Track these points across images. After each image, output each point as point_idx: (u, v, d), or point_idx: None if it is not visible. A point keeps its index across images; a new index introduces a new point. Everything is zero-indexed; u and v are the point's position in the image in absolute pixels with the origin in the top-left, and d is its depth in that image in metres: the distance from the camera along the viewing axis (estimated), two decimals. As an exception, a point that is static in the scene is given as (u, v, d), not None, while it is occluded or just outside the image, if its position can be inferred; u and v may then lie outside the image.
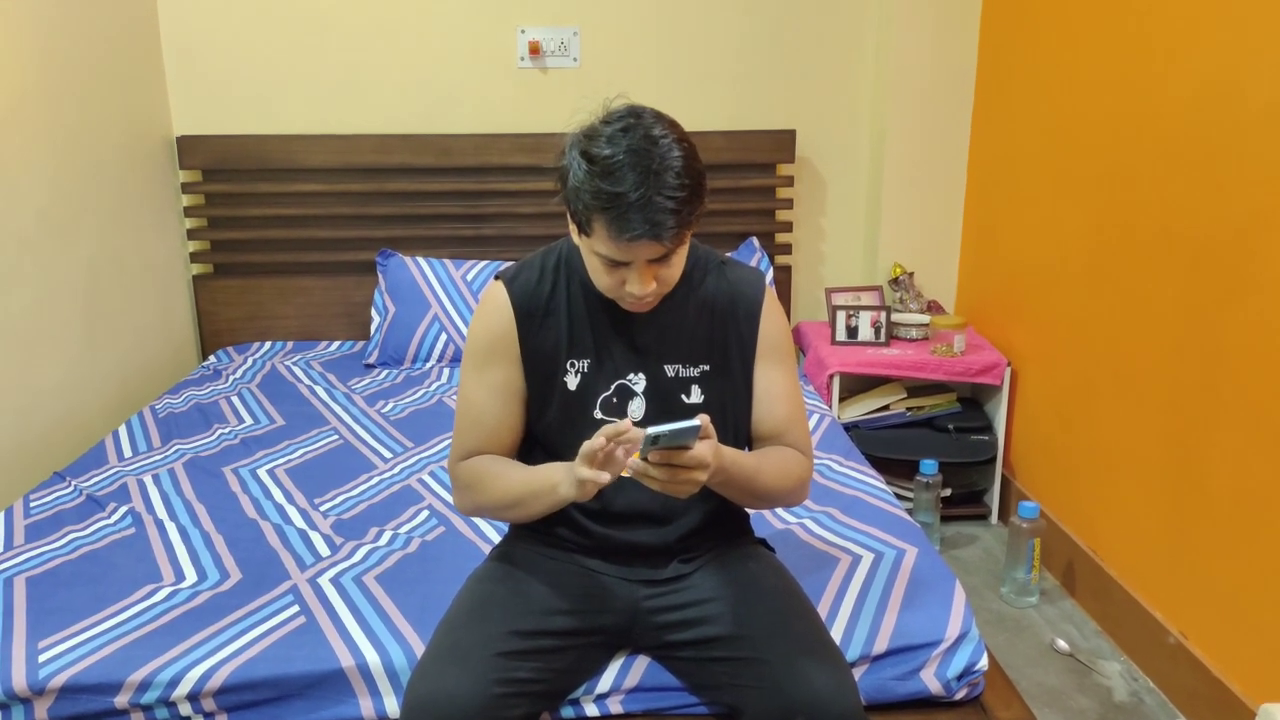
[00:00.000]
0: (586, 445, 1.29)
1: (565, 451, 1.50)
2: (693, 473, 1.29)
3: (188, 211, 3.26)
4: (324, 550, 1.89)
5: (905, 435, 3.03)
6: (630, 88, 3.30)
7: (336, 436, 2.49)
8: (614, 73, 3.25)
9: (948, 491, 2.93)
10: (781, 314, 1.58)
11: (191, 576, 1.79)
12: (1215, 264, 2.06)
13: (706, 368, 1.53)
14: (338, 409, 2.68)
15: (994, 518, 3.09)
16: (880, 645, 1.58)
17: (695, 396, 1.52)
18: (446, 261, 3.18)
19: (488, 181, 3.27)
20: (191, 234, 3.26)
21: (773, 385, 1.55)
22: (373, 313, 3.19)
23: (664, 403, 1.51)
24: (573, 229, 1.42)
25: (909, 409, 3.07)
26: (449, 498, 2.14)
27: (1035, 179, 2.86)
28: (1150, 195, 2.30)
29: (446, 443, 2.43)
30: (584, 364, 1.52)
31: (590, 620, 1.48)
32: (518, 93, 3.27)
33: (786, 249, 3.42)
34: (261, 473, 2.26)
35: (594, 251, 1.36)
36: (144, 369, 2.99)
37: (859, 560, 1.81)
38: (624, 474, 1.32)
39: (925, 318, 3.15)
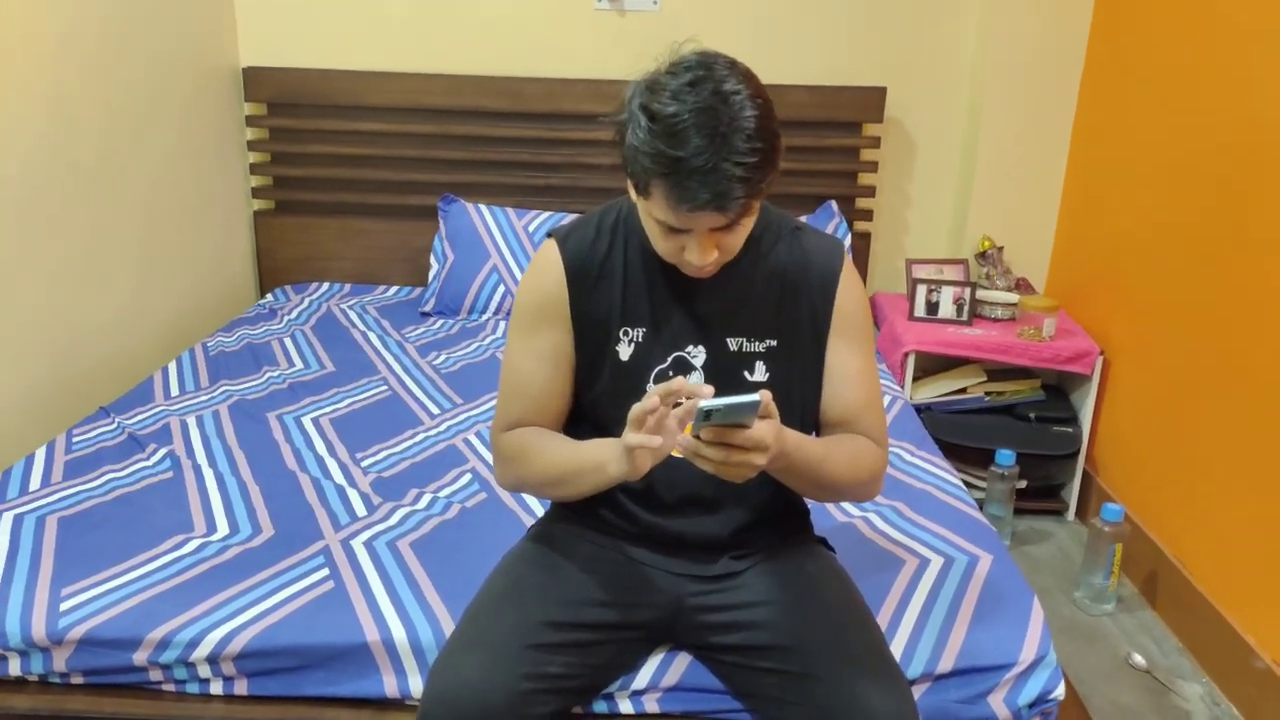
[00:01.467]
0: (637, 407, 1.16)
1: (614, 428, 1.37)
2: (750, 454, 1.17)
3: (251, 146, 3.19)
4: (360, 510, 1.81)
5: (982, 421, 2.85)
6: (712, 35, 3.11)
7: (385, 387, 2.41)
8: (696, 18, 3.07)
9: (1023, 483, 2.75)
10: (860, 287, 1.43)
11: (224, 528, 1.72)
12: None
13: (774, 343, 1.39)
14: (389, 358, 2.60)
15: (1071, 514, 2.90)
16: (946, 664, 1.44)
17: (759, 373, 1.39)
18: (509, 210, 3.06)
19: (558, 129, 3.13)
20: (254, 169, 3.19)
21: (846, 366, 1.40)
22: (432, 259, 3.10)
23: (725, 379, 1.38)
24: (630, 188, 1.29)
25: (988, 394, 2.88)
26: (490, 458, 2.04)
27: (1147, 158, 2.62)
28: (1273, 185, 2.07)
29: (494, 401, 2.33)
30: (639, 333, 1.39)
31: (630, 614, 1.37)
32: (594, 37, 3.11)
33: (867, 215, 3.23)
34: (306, 421, 2.19)
35: (652, 216, 1.23)
36: (200, 305, 2.95)
37: (926, 564, 1.66)
38: (675, 453, 1.20)
39: (1014, 297, 2.94)
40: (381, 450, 2.07)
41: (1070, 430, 2.81)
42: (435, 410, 2.29)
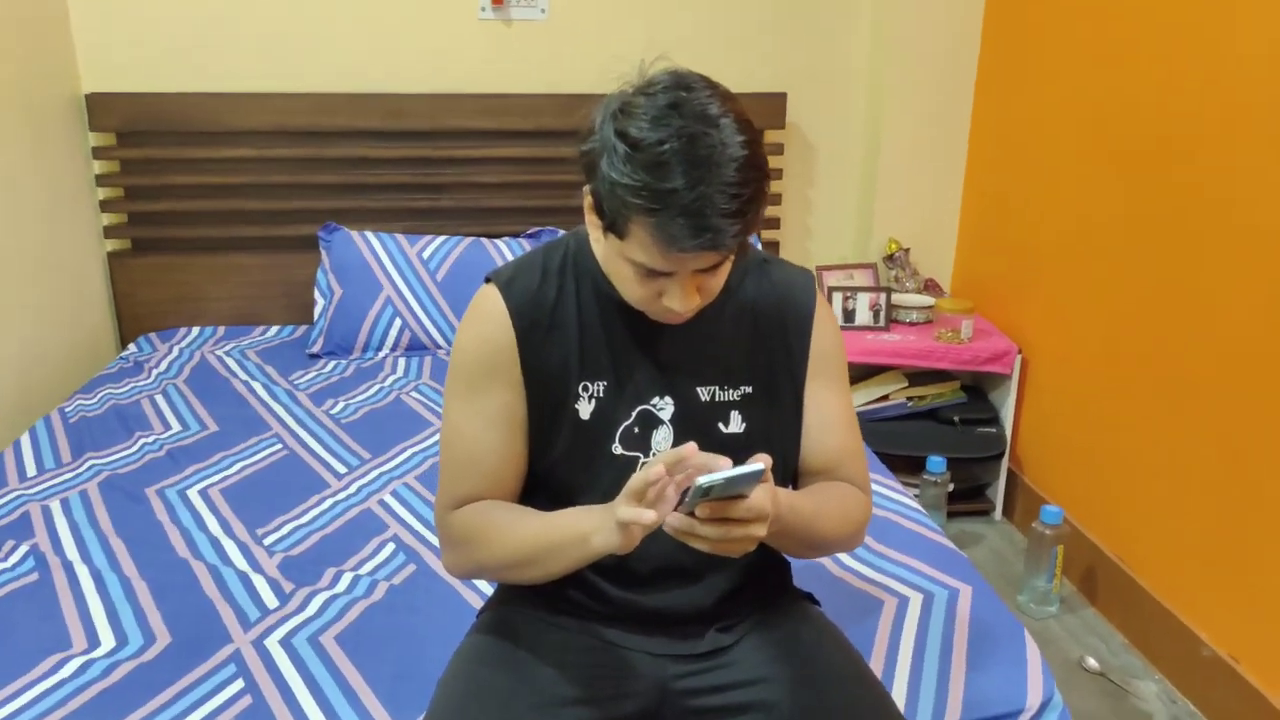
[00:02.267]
0: (637, 479, 1.02)
1: (576, 495, 1.22)
2: (750, 526, 1.03)
3: (100, 180, 2.85)
4: (270, 599, 1.58)
5: (906, 428, 2.80)
6: (605, 43, 3.00)
7: (280, 446, 2.16)
8: (587, 26, 2.92)
9: (951, 487, 2.71)
10: (835, 322, 1.31)
11: (109, 641, 1.47)
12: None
13: (749, 390, 1.25)
14: (280, 410, 2.34)
15: (998, 514, 2.88)
16: (952, 717, 1.33)
17: (735, 425, 1.25)
18: (399, 236, 2.84)
19: (444, 147, 2.92)
20: (105, 205, 2.86)
21: (827, 409, 1.28)
22: (316, 294, 2.84)
23: (696, 432, 1.23)
24: (592, 225, 1.13)
25: (910, 399, 2.84)
26: (416, 523, 1.84)
27: (1047, 151, 2.61)
28: (1181, 169, 2.07)
29: (410, 453, 2.13)
30: (599, 387, 1.23)
31: (612, 708, 1.20)
32: (479, 48, 2.91)
33: (774, 223, 3.14)
34: (193, 494, 1.93)
35: (627, 258, 1.07)
36: (52, 363, 2.61)
37: (906, 603, 1.56)
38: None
39: (928, 300, 2.90)
40: (285, 523, 1.84)
41: (994, 430, 2.79)
42: (341, 469, 2.06)
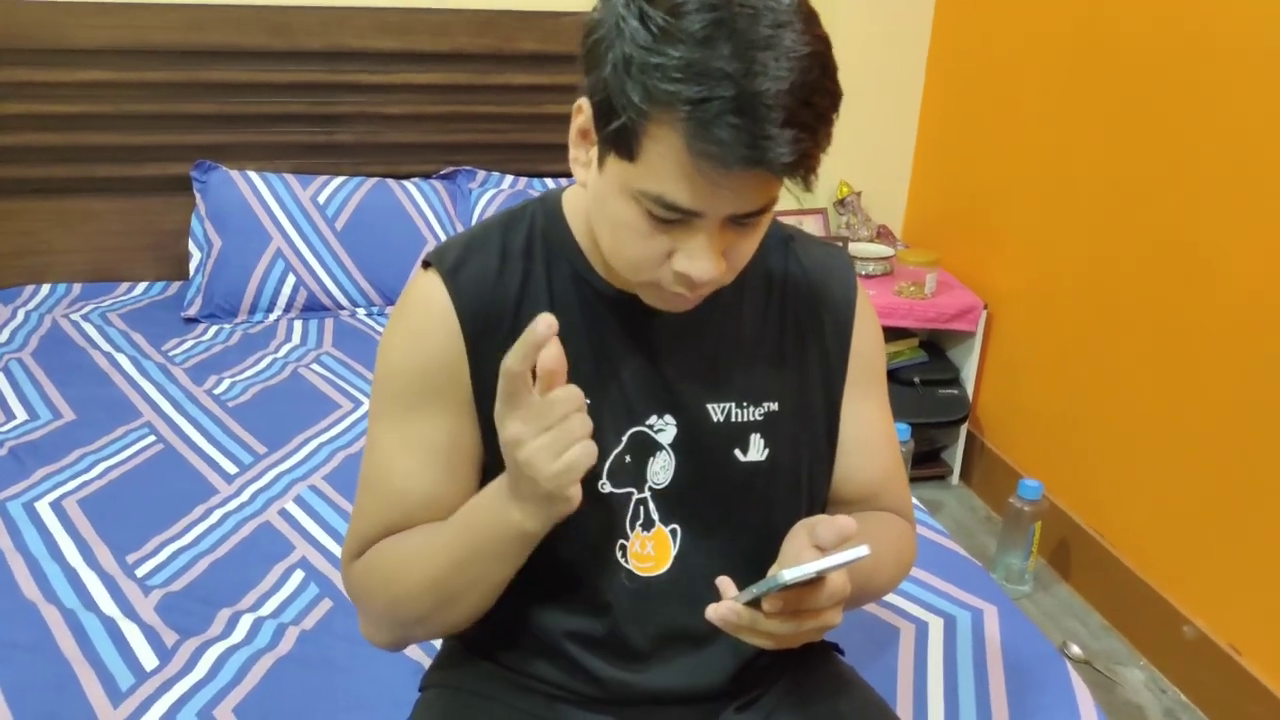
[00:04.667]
0: (517, 351, 0.76)
1: (552, 547, 0.92)
2: (824, 615, 0.79)
3: (-88, 106, 2.34)
4: (148, 658, 1.24)
5: (863, 390, 2.58)
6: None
7: (153, 438, 1.79)
8: (504, -69, 2.52)
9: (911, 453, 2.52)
10: (876, 318, 1.04)
11: (-75, 730, 1.12)
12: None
13: (774, 406, 0.97)
14: (151, 390, 1.96)
15: (955, 478, 2.71)
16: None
17: (755, 451, 0.97)
18: (289, 177, 2.43)
19: (341, 70, 2.50)
20: (-79, 137, 2.36)
21: (868, 428, 1.02)
22: (190, 246, 2.42)
23: (705, 462, 0.95)
24: (578, 162, 0.84)
25: (866, 358, 2.61)
26: (328, 540, 1.52)
27: (1023, 70, 2.37)
28: (1192, 87, 1.85)
29: (314, 444, 1.79)
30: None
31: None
32: (378, -48, 2.49)
33: (715, 162, 2.84)
34: (43, 508, 1.55)
35: (636, 193, 0.77)
36: None
37: (925, 629, 1.33)
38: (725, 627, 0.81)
39: (887, 250, 2.67)
40: (163, 544, 1.49)
41: (956, 393, 2.60)
42: (230, 468, 1.70)
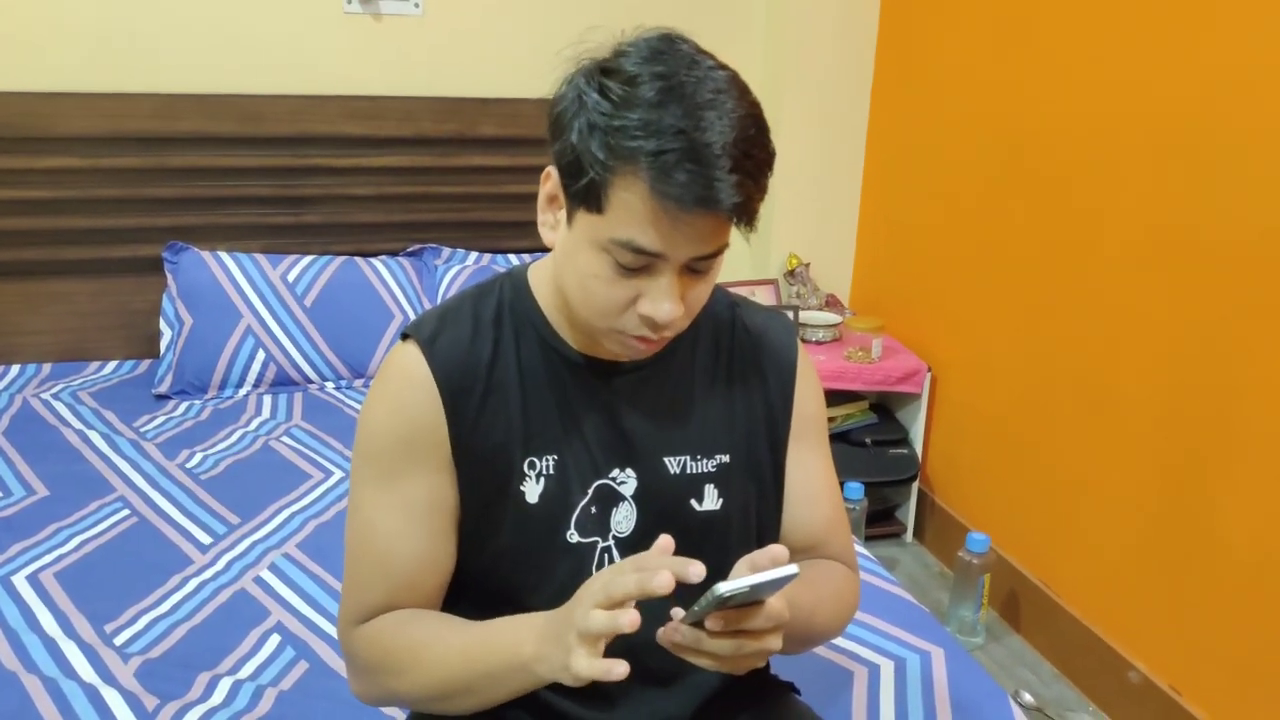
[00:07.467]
0: (600, 588, 0.81)
1: (524, 596, 1.00)
2: (766, 639, 0.85)
3: (-113, 193, 2.40)
4: (129, 722, 1.28)
5: (817, 451, 2.67)
6: (484, 41, 2.74)
7: (127, 512, 1.83)
8: (464, 22, 2.66)
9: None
10: (817, 376, 1.14)
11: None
12: (1226, 261, 1.79)
13: (725, 459, 1.06)
14: (123, 465, 2.00)
15: (909, 536, 2.80)
16: (954, 818, 1.18)
17: (710, 501, 1.05)
18: (259, 256, 2.51)
19: (308, 155, 2.61)
20: (-106, 223, 2.41)
21: (811, 479, 1.11)
22: (161, 325, 2.48)
23: (663, 512, 1.03)
24: (546, 225, 0.95)
25: (819, 421, 2.71)
26: (302, 605, 1.57)
27: (952, 154, 2.54)
28: (1099, 172, 2.01)
29: (286, 513, 1.84)
30: (548, 463, 1.01)
31: None
32: (346, 45, 2.61)
33: (670, 237, 2.97)
34: (19, 581, 1.59)
35: (603, 242, 0.87)
36: None
37: (876, 672, 1.41)
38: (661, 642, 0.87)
39: (835, 317, 2.80)
40: (140, 614, 1.53)
41: (906, 452, 2.70)
42: (205, 539, 1.75)
